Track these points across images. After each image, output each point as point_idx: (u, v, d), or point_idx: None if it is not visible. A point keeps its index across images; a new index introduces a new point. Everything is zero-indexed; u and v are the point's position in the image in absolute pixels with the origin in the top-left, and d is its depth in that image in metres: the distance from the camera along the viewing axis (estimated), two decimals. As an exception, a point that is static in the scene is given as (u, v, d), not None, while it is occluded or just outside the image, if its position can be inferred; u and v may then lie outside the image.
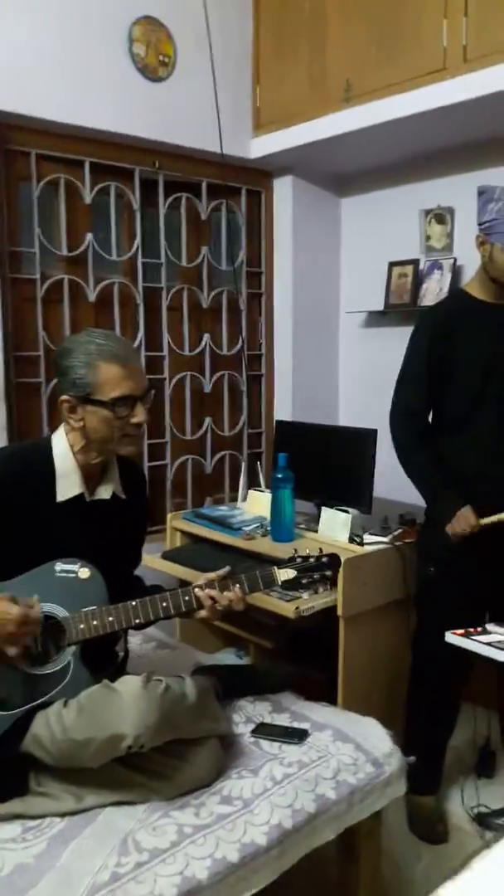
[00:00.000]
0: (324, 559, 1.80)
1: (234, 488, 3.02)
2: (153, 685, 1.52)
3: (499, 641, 1.76)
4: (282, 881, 1.50)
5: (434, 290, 2.83)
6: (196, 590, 1.65)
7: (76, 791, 1.53)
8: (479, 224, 2.04)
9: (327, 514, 2.50)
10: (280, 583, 1.74)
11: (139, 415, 1.59)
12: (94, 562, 1.60)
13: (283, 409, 3.30)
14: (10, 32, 2.35)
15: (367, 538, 2.40)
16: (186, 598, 1.66)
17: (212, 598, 1.64)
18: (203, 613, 1.65)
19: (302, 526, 2.58)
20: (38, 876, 1.33)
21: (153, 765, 1.55)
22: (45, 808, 1.51)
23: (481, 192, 2.05)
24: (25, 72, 2.39)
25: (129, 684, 1.52)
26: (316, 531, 2.51)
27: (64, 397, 1.60)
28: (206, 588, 1.65)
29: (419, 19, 2.39)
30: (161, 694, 1.51)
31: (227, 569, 1.71)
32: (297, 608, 2.15)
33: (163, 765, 1.55)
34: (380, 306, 3.06)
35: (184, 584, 2.09)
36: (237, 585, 1.67)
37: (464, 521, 2.06)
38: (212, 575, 1.68)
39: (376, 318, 3.17)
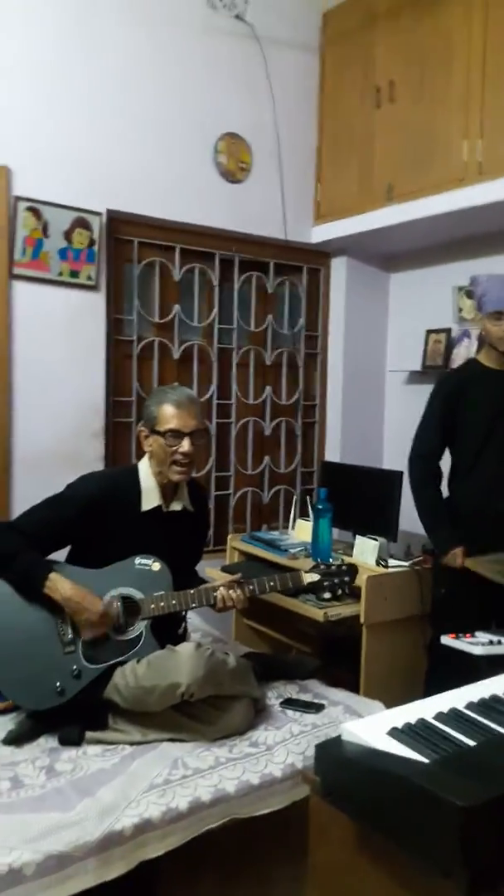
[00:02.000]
0: (343, 568, 2.30)
1: (288, 518, 3.53)
2: (203, 649, 2.04)
3: (478, 642, 2.19)
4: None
5: (463, 355, 3.31)
6: (220, 589, 2.14)
7: (142, 729, 2.04)
8: (477, 307, 2.54)
9: (360, 540, 2.97)
10: (305, 583, 2.24)
11: (185, 446, 2.12)
12: (165, 558, 2.14)
13: (333, 451, 3.82)
14: (117, 147, 3.00)
15: (392, 562, 2.86)
16: (215, 593, 2.14)
17: (222, 596, 2.13)
18: (218, 607, 2.14)
19: (339, 551, 3.04)
20: (113, 776, 1.85)
21: (200, 713, 2.04)
22: (119, 738, 2.03)
23: (473, 280, 2.56)
24: (131, 178, 3.04)
25: (184, 647, 2.05)
26: (350, 555, 2.98)
27: (140, 427, 2.19)
28: (222, 588, 2.14)
29: (446, 138, 2.94)
30: (208, 656, 2.02)
31: (238, 575, 2.20)
32: (325, 613, 2.63)
33: (207, 713, 2.05)
34: (418, 367, 3.56)
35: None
36: (243, 588, 2.14)
37: (452, 558, 2.52)
38: (229, 578, 2.19)
39: (416, 377, 3.67)
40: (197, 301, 3.42)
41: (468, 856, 0.88)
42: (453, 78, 2.90)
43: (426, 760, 1.02)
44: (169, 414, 2.12)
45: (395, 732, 1.11)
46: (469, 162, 2.84)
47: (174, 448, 2.12)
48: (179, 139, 3.16)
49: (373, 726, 1.13)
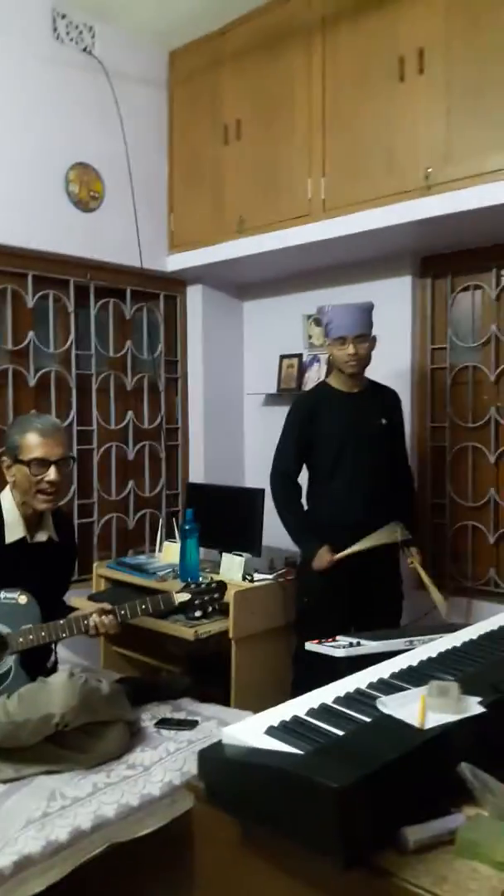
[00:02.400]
0: (213, 585, 2.37)
1: (154, 541, 3.55)
2: (76, 678, 2.04)
3: (340, 645, 2.33)
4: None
5: (314, 378, 3.51)
6: (93, 616, 2.14)
7: (15, 765, 2.00)
8: (325, 334, 2.75)
9: (226, 558, 3.06)
10: (177, 604, 2.29)
11: (51, 475, 2.12)
12: (31, 590, 2.12)
13: (197, 473, 3.90)
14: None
15: (257, 576, 2.97)
16: (86, 622, 2.14)
17: (95, 623, 2.14)
18: (91, 634, 2.14)
19: (207, 570, 3.11)
20: (-13, 817, 1.81)
21: (75, 741, 2.04)
22: (-9, 777, 1.99)
23: (319, 311, 2.77)
24: (-19, 205, 3.01)
25: (57, 677, 2.04)
26: (217, 573, 3.06)
27: (3, 458, 2.16)
28: (94, 615, 2.14)
29: (291, 176, 3.13)
30: (81, 684, 2.02)
31: (106, 605, 2.21)
32: (196, 631, 2.69)
33: (82, 741, 2.05)
34: (274, 389, 3.73)
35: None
36: (112, 614, 2.15)
37: (320, 559, 2.68)
38: (98, 606, 2.19)
39: (272, 399, 3.84)
40: (52, 327, 3.40)
41: (343, 832, 0.97)
42: (296, 119, 3.10)
43: (301, 752, 1.11)
44: (34, 442, 2.11)
45: (271, 730, 1.19)
46: (313, 199, 3.05)
47: (40, 477, 2.11)
48: (29, 168, 3.15)
49: (251, 727, 1.20)
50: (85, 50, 3.31)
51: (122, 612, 2.19)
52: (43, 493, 2.13)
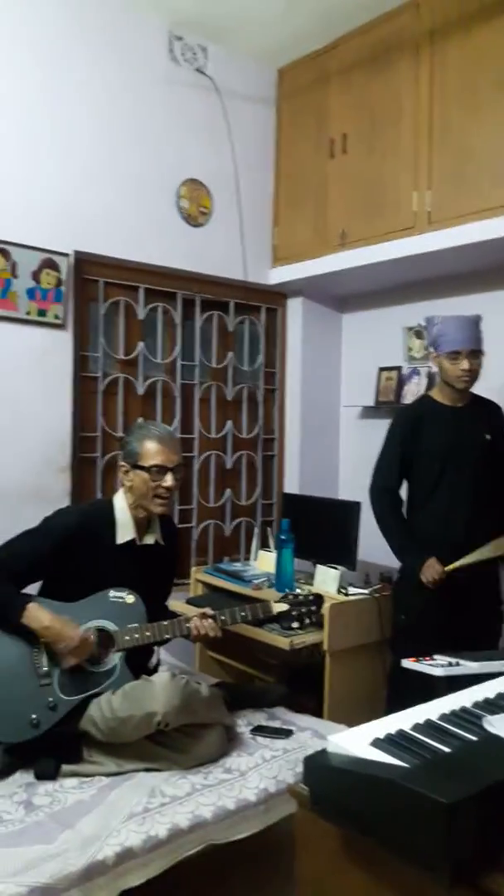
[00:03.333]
0: (310, 597, 2.39)
1: (249, 549, 3.61)
2: (178, 679, 2.10)
3: (438, 664, 2.30)
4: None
5: (413, 392, 3.48)
6: (194, 618, 2.21)
7: (117, 760, 2.08)
8: (430, 344, 2.71)
9: (321, 570, 3.07)
10: (275, 613, 2.33)
11: (168, 481, 2.20)
12: (138, 590, 2.20)
13: (292, 483, 3.93)
14: (84, 191, 3.11)
15: (352, 590, 2.96)
16: (188, 624, 2.20)
17: (197, 627, 2.20)
18: (192, 635, 2.21)
19: (301, 580, 3.13)
20: (92, 807, 1.88)
21: (174, 742, 2.09)
22: (95, 770, 2.06)
23: (427, 321, 2.73)
24: (98, 221, 3.14)
25: (160, 677, 2.10)
26: (311, 584, 3.07)
27: (121, 463, 2.25)
28: (195, 619, 2.21)
29: (396, 189, 3.13)
30: (183, 685, 2.08)
31: (207, 609, 2.26)
32: (291, 641, 2.71)
33: (181, 742, 2.10)
34: (371, 402, 3.73)
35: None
36: (212, 618, 2.21)
37: (431, 569, 2.63)
38: (199, 611, 2.25)
39: (369, 412, 3.83)
40: (160, 339, 3.52)
41: (450, 849, 0.96)
42: (402, 133, 3.11)
43: (407, 766, 1.11)
44: (153, 450, 2.19)
45: (377, 742, 1.20)
46: (418, 212, 3.04)
47: (158, 482, 2.19)
48: (143, 184, 3.29)
49: (356, 737, 1.21)
50: (198, 70, 3.43)
51: (223, 617, 2.24)
52: (160, 497, 2.21)
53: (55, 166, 3.04)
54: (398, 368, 3.62)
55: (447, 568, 2.63)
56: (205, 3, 3.17)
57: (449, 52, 2.93)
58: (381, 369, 3.69)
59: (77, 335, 3.19)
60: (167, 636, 2.20)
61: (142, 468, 2.19)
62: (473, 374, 2.65)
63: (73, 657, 2.06)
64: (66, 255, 3.05)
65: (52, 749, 2.05)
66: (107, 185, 3.18)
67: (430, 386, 3.39)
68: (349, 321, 4.02)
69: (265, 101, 3.69)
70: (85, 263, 3.21)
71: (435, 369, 2.80)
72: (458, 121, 2.91)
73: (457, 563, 2.63)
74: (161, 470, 2.19)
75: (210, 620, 2.21)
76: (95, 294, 3.30)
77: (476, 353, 2.64)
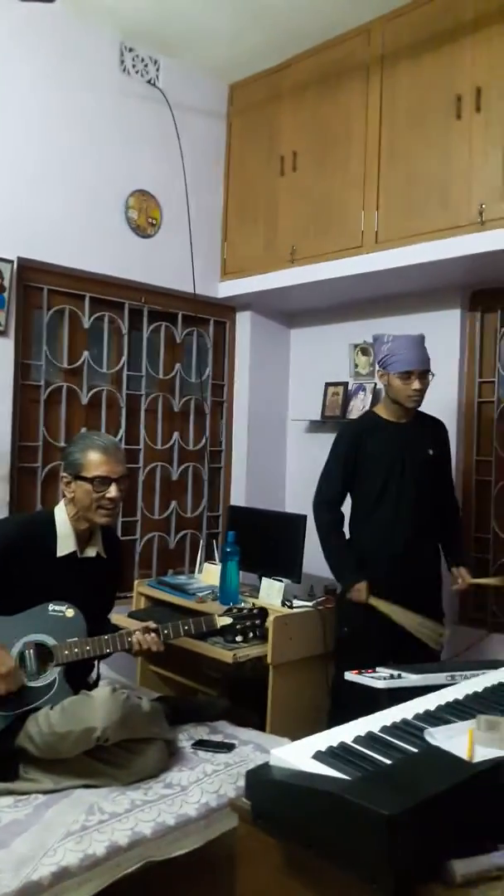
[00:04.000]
0: (255, 611, 2.39)
1: (194, 562, 3.58)
2: (118, 693, 2.06)
3: (380, 676, 2.32)
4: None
5: (359, 407, 3.53)
6: (136, 633, 2.17)
7: (54, 777, 2.03)
8: (378, 362, 2.76)
9: (266, 582, 3.07)
10: (219, 626, 2.31)
11: (112, 492, 2.16)
12: (78, 604, 2.16)
13: (238, 496, 3.93)
14: (31, 199, 3.06)
15: (296, 603, 2.97)
16: (129, 638, 2.19)
17: (139, 641, 2.17)
18: (135, 650, 2.18)
19: (246, 593, 3.13)
20: (27, 826, 1.83)
21: (114, 757, 2.05)
22: (31, 788, 2.00)
23: (375, 339, 2.78)
24: (44, 228, 3.10)
25: (100, 691, 2.07)
26: (255, 597, 3.07)
27: (63, 474, 2.21)
28: (137, 633, 2.18)
29: (345, 208, 3.19)
30: (123, 700, 2.05)
31: (149, 622, 2.24)
32: (234, 655, 2.70)
33: (121, 757, 2.06)
34: (318, 416, 3.77)
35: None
36: (155, 632, 2.19)
37: (357, 594, 2.68)
38: (142, 625, 2.23)
39: (315, 426, 3.87)
40: (106, 348, 3.49)
41: (392, 861, 0.97)
42: (352, 153, 3.17)
43: (349, 778, 1.12)
44: (96, 460, 2.16)
45: (319, 755, 1.20)
46: (367, 231, 3.10)
47: (101, 493, 2.15)
48: (92, 193, 3.26)
49: (298, 751, 1.22)
50: (149, 82, 3.43)
51: (165, 631, 2.22)
52: (103, 508, 2.17)
53: (1, 173, 2.98)
54: (344, 384, 3.67)
55: (373, 601, 2.68)
56: (157, 15, 3.18)
57: (398, 78, 3.01)
58: (328, 384, 3.74)
59: (19, 343, 3.13)
60: (108, 650, 2.16)
61: (84, 479, 2.16)
62: (423, 394, 2.71)
63: (1, 687, 2.00)
64: (9, 261, 3.00)
65: (-14, 767, 1.99)
66: (54, 193, 3.14)
67: (374, 402, 3.44)
68: (297, 336, 4.06)
69: (216, 116, 3.71)
70: (29, 270, 3.16)
71: (381, 386, 2.84)
72: (406, 144, 2.98)
73: (382, 606, 2.67)
74: (104, 481, 2.15)
75: (153, 634, 2.18)
76: (39, 301, 3.25)
77: (426, 373, 2.70)
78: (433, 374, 2.72)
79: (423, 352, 2.70)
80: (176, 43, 3.38)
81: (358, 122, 3.15)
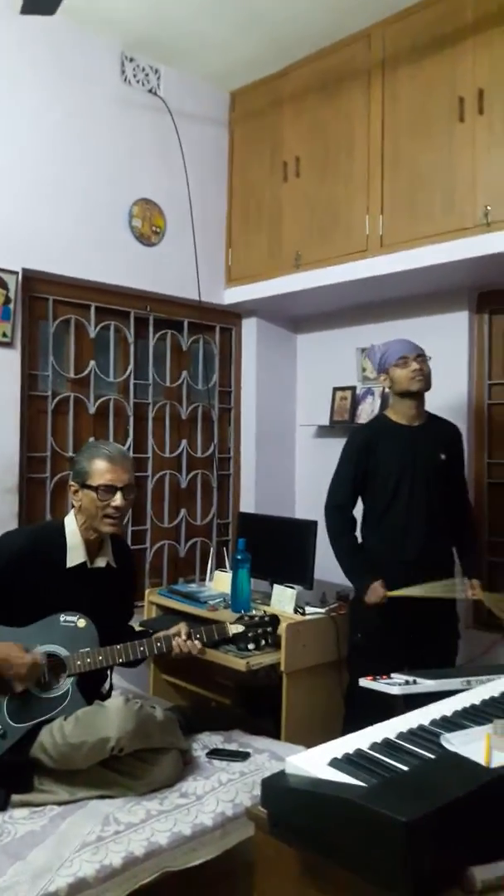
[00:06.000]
0: (266, 618, 2.38)
1: (205, 569, 3.58)
2: (132, 703, 2.06)
3: (395, 682, 2.30)
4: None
5: (367, 411, 3.52)
6: (176, 638, 2.21)
7: (69, 788, 2.02)
8: (377, 369, 2.76)
9: (278, 589, 3.06)
10: (231, 634, 2.31)
11: (117, 500, 2.16)
12: (90, 614, 2.15)
13: (248, 503, 3.92)
14: (35, 210, 3.08)
15: (309, 609, 2.95)
16: (159, 643, 2.22)
17: (178, 645, 2.21)
18: (174, 654, 2.22)
19: (258, 601, 3.11)
20: (43, 837, 1.82)
21: (128, 767, 2.04)
22: (47, 799, 2.00)
23: (370, 349, 2.80)
24: (48, 238, 3.11)
25: (113, 701, 2.06)
26: (268, 604, 3.05)
27: (71, 482, 2.21)
28: (177, 637, 2.22)
29: (349, 213, 3.19)
30: (137, 709, 2.04)
31: (183, 624, 2.28)
32: (247, 663, 2.68)
33: (136, 767, 2.05)
34: (326, 421, 3.76)
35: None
36: (198, 637, 2.24)
37: (373, 593, 2.65)
38: (183, 628, 2.26)
39: (324, 431, 3.86)
40: (112, 357, 3.50)
41: (411, 867, 0.96)
42: (355, 158, 3.17)
43: (365, 785, 1.10)
44: (102, 469, 2.16)
45: (335, 762, 1.19)
46: (371, 235, 3.09)
47: (106, 502, 2.15)
48: (95, 203, 3.27)
49: (314, 758, 1.20)
50: (151, 91, 3.45)
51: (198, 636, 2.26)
52: (109, 517, 2.17)
53: (3, 183, 3.00)
54: (352, 388, 3.66)
55: (390, 593, 2.65)
56: (157, 25, 3.19)
57: (400, 82, 3.01)
58: (336, 389, 3.73)
59: (26, 354, 3.14)
60: (120, 660, 2.16)
61: (90, 487, 2.15)
62: (425, 375, 2.70)
63: (22, 682, 2.00)
64: (14, 272, 3.01)
65: (2, 778, 1.99)
66: (57, 204, 3.15)
67: (384, 406, 3.43)
68: (304, 342, 4.06)
69: (218, 123, 3.72)
70: (34, 281, 3.17)
71: (388, 390, 2.83)
72: (408, 148, 2.98)
73: (401, 592, 2.64)
74: (109, 489, 2.15)
75: (196, 640, 2.23)
76: (45, 312, 3.26)
77: (421, 357, 2.70)
78: (430, 357, 2.72)
79: (413, 343, 2.73)
80: (176, 51, 3.40)
81: (360, 127, 3.15)
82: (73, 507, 2.23)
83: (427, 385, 2.73)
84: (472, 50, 2.76)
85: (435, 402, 2.88)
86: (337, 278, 3.20)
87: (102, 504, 2.15)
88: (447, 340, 3.20)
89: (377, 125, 3.09)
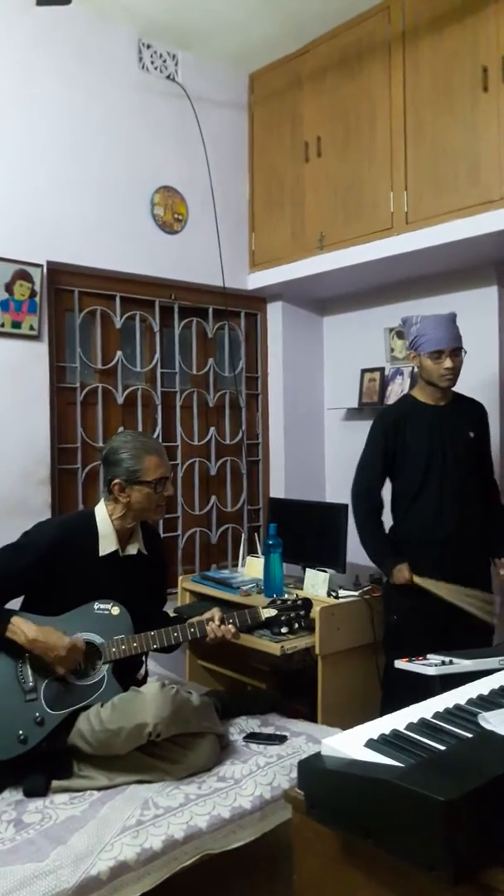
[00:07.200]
0: (298, 601, 2.38)
1: (236, 555, 3.58)
2: (168, 688, 2.07)
3: (431, 663, 2.28)
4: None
5: (397, 392, 3.48)
6: (210, 623, 2.22)
7: (108, 774, 2.04)
8: (408, 345, 2.71)
9: (310, 573, 3.05)
10: (263, 619, 2.31)
11: (169, 490, 2.25)
12: (123, 602, 2.17)
13: (277, 488, 3.91)
14: (57, 202, 3.08)
15: (342, 592, 2.94)
16: (192, 629, 2.23)
17: (212, 630, 2.21)
18: (209, 639, 2.22)
19: (290, 585, 3.11)
20: (84, 822, 1.84)
21: (166, 752, 2.06)
22: (86, 784, 2.02)
23: (404, 321, 2.72)
24: (71, 230, 3.12)
25: (149, 687, 2.07)
26: (301, 588, 3.05)
27: (116, 481, 2.20)
28: (211, 622, 2.23)
29: (373, 190, 3.14)
30: (173, 695, 2.05)
31: (216, 609, 2.29)
32: (282, 646, 2.69)
33: (173, 752, 2.07)
34: (355, 404, 3.72)
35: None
36: (231, 621, 2.24)
37: (399, 575, 2.63)
38: (217, 613, 2.26)
39: (353, 413, 3.82)
40: (139, 346, 3.50)
41: (451, 847, 0.94)
42: (377, 134, 3.11)
43: (403, 765, 1.09)
44: (154, 463, 2.21)
45: (371, 743, 1.18)
46: (396, 212, 3.04)
47: (161, 494, 2.23)
48: (117, 193, 3.27)
49: (351, 739, 1.19)
50: (168, 77, 3.43)
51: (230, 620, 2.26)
52: (161, 506, 2.28)
53: (25, 177, 3.01)
54: (381, 369, 3.62)
55: (416, 580, 2.63)
56: (173, 10, 3.16)
57: (421, 54, 2.95)
58: (364, 370, 3.69)
59: (53, 346, 3.16)
60: (154, 646, 2.17)
61: (145, 483, 2.20)
62: (456, 372, 2.65)
63: (63, 665, 2.03)
64: (39, 265, 3.02)
65: (41, 765, 2.01)
66: (79, 195, 3.15)
67: (412, 385, 3.39)
68: (330, 324, 4.02)
69: (237, 107, 3.69)
70: (58, 273, 3.18)
71: (416, 369, 2.79)
72: (431, 121, 2.92)
73: (429, 586, 2.62)
74: (162, 482, 2.23)
75: (229, 624, 2.24)
76: (71, 304, 3.27)
77: (457, 351, 2.64)
78: (465, 352, 2.66)
79: (453, 330, 2.64)
80: (193, 36, 3.36)
81: (381, 102, 3.09)
82: (114, 502, 2.23)
83: (456, 381, 2.69)
84: (495, 17, 2.69)
85: (465, 380, 2.82)
86: (362, 258, 3.15)
87: (158, 497, 2.22)
88: (475, 316, 3.13)
89: (399, 100, 3.03)
